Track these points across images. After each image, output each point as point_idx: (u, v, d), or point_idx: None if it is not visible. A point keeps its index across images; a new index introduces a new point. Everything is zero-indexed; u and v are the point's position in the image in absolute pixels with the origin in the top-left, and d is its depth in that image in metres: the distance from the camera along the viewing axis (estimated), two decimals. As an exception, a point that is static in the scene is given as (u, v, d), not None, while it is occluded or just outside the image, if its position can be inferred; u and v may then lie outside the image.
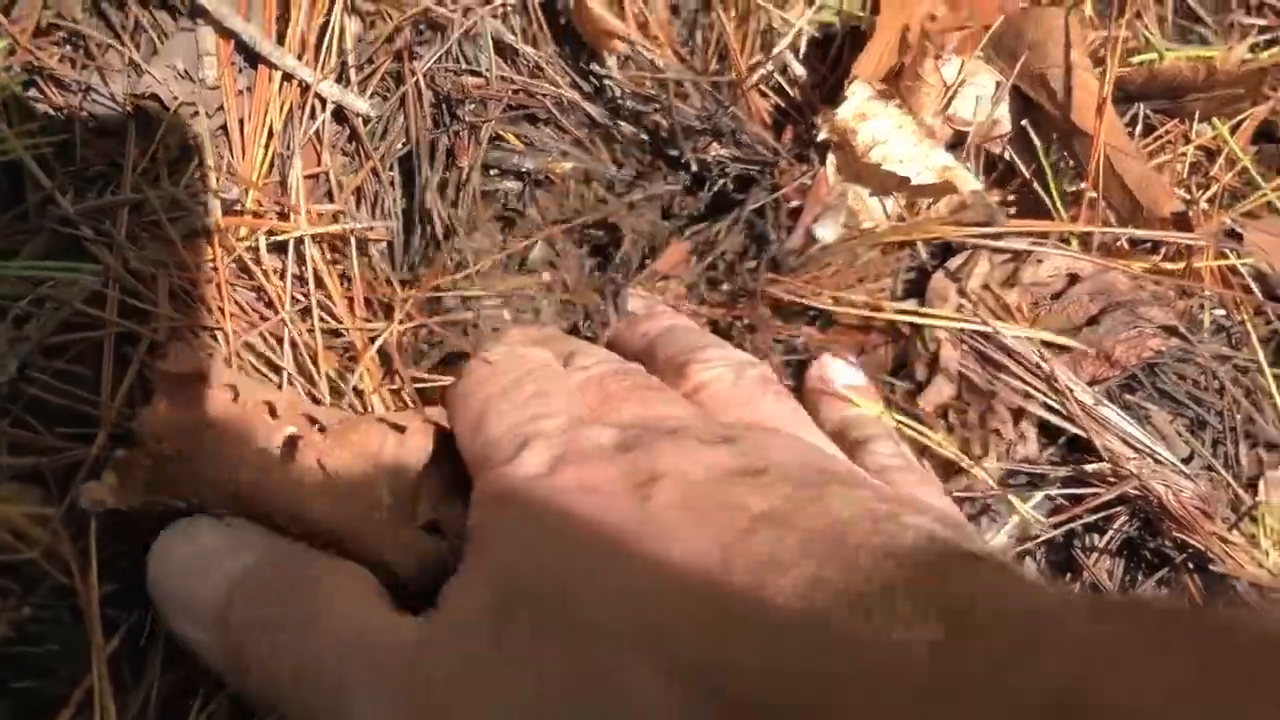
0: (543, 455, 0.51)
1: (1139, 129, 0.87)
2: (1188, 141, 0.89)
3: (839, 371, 0.69)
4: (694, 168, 0.71)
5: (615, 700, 0.41)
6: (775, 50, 0.81)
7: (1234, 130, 0.93)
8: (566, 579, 0.45)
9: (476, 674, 0.45)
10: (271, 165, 0.66)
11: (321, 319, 0.60)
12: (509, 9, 0.73)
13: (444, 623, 0.49)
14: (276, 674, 0.50)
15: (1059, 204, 0.77)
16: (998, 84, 0.79)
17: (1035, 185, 0.80)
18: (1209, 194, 0.88)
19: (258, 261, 0.62)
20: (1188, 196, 0.87)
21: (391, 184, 0.67)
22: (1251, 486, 0.78)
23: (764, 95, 0.81)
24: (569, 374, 0.60)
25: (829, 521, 0.43)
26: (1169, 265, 0.77)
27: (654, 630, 0.41)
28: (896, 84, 0.78)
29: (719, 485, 0.47)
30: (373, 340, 0.60)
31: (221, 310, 0.61)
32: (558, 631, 0.44)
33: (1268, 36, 0.95)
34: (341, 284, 0.62)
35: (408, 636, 0.49)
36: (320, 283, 0.61)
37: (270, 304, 0.64)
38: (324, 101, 0.67)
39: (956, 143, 0.82)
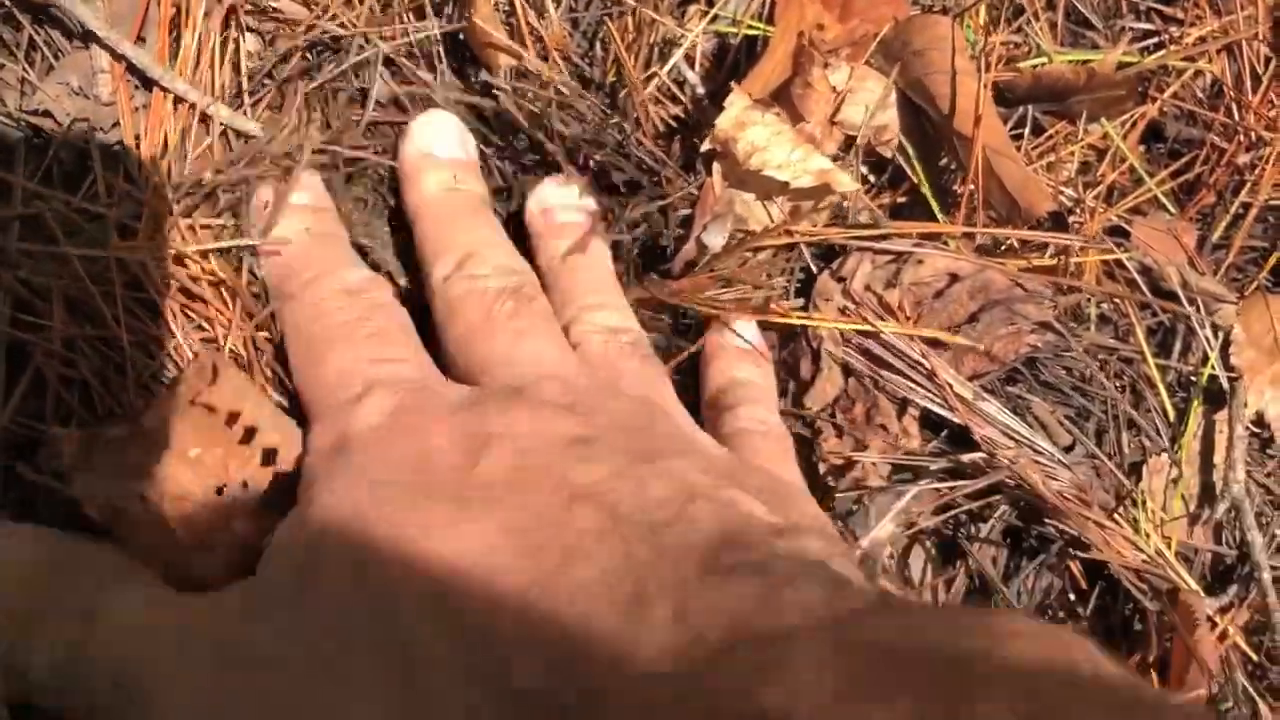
0: (383, 404, 0.51)
1: (1028, 130, 0.91)
2: (1076, 141, 0.92)
3: (740, 328, 0.71)
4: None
5: (408, 674, 0.41)
6: (670, 61, 0.83)
7: (1126, 130, 0.96)
8: (375, 543, 0.44)
9: (271, 636, 0.45)
10: (165, 181, 0.67)
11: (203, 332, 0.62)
12: (409, 34, 0.76)
13: (253, 581, 0.48)
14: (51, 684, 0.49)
15: (937, 207, 0.80)
16: (886, 89, 0.81)
17: (922, 188, 0.83)
18: (1096, 191, 0.91)
19: (148, 276, 0.64)
20: (1076, 195, 0.90)
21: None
22: (1134, 473, 0.81)
23: (660, 104, 0.84)
24: (457, 278, 0.61)
25: (642, 501, 0.44)
26: (1045, 263, 0.80)
27: (451, 613, 0.42)
28: (787, 93, 0.81)
29: (549, 454, 0.47)
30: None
31: (117, 321, 0.63)
32: (353, 598, 0.44)
33: (1155, 40, 0.98)
34: (226, 298, 0.64)
35: (201, 604, 0.49)
36: (198, 298, 0.63)
37: (167, 316, 0.65)
38: (215, 121, 0.68)
39: (848, 148, 0.85)
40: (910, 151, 0.82)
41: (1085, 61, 0.88)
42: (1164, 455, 0.81)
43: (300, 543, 0.48)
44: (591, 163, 0.74)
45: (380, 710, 0.41)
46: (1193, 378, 0.85)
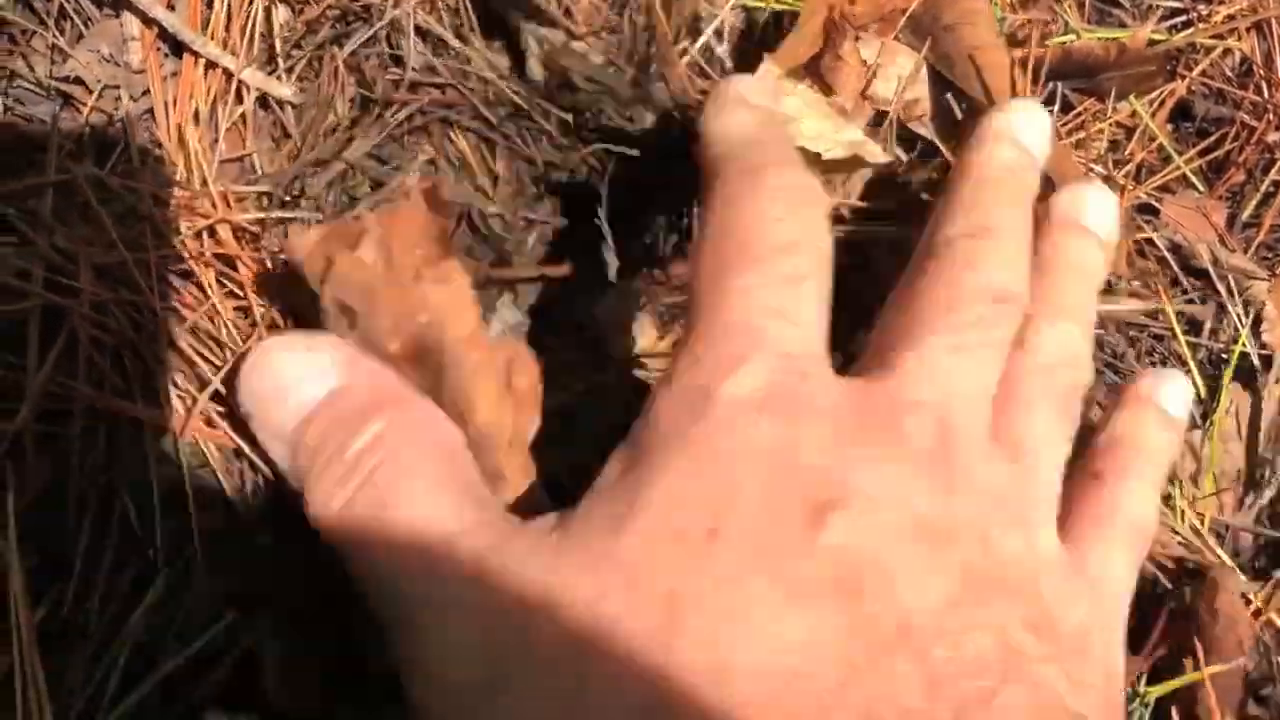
0: (758, 380, 0.45)
1: (1057, 107, 0.90)
2: (1105, 119, 0.92)
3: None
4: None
5: None
6: (701, 38, 0.83)
7: (1155, 109, 0.96)
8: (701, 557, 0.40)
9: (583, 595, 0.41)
10: (198, 149, 0.67)
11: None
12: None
13: (572, 526, 0.44)
14: (338, 518, 0.48)
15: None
16: (916, 64, 0.81)
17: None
18: (1126, 170, 0.91)
19: (183, 244, 0.63)
20: (1105, 172, 0.89)
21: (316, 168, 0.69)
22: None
23: (690, 81, 0.83)
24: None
25: (959, 664, 0.39)
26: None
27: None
28: (817, 66, 0.80)
29: (892, 542, 0.41)
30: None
31: (150, 290, 0.62)
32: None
33: (1183, 19, 0.98)
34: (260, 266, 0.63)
35: (504, 527, 0.46)
36: (234, 265, 0.62)
37: (201, 286, 0.65)
38: (248, 88, 0.68)
39: (879, 122, 0.84)
40: (951, 126, 0.81)
41: (1117, 38, 0.87)
42: (1196, 433, 0.80)
43: (629, 503, 0.43)
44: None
45: None
46: (1224, 355, 0.84)
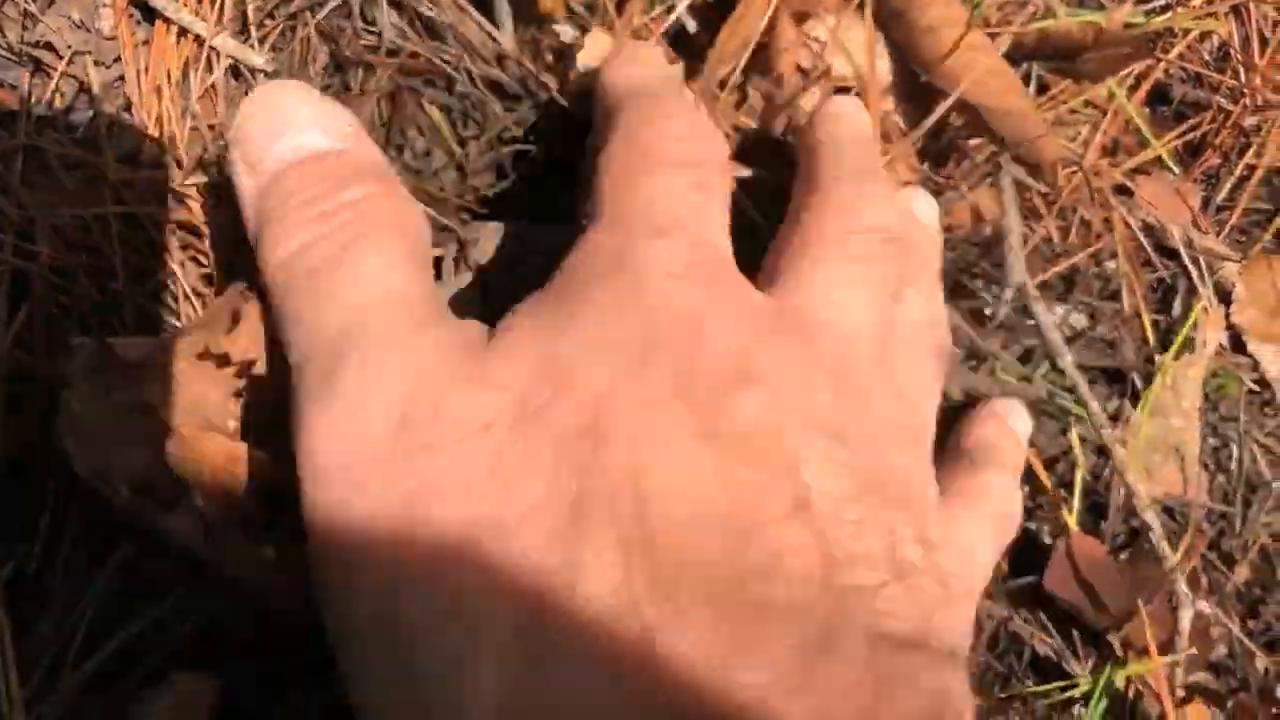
0: (677, 253, 0.46)
1: (1033, 88, 0.90)
2: (1081, 101, 0.92)
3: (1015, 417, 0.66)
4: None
5: None
6: (676, 11, 0.83)
7: (1130, 91, 0.96)
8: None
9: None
10: (168, 116, 0.67)
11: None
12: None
13: (507, 332, 0.46)
14: (284, 263, 0.48)
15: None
16: (869, 41, 0.81)
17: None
18: (1099, 151, 0.91)
19: (150, 211, 0.64)
20: (1080, 153, 0.90)
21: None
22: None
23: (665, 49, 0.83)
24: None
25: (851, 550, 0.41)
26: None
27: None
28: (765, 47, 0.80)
29: (792, 435, 0.43)
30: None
31: (115, 254, 0.63)
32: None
33: (1163, 2, 0.98)
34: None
35: (449, 316, 0.47)
36: (197, 234, 0.63)
37: (167, 249, 0.65)
38: (220, 55, 0.68)
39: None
40: (917, 103, 0.81)
41: (1094, 21, 0.87)
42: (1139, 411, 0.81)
43: (535, 343, 0.44)
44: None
45: None
46: (1192, 334, 0.84)
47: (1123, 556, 0.77)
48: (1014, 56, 0.89)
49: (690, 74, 0.80)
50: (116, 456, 0.52)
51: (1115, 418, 0.82)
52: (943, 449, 0.61)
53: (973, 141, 0.83)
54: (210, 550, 0.51)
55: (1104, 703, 0.64)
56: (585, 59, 0.69)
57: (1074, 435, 0.76)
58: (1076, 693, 0.65)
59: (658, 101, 0.54)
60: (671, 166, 0.49)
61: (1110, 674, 0.65)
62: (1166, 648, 0.67)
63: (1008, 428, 0.63)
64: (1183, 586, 0.64)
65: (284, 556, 0.50)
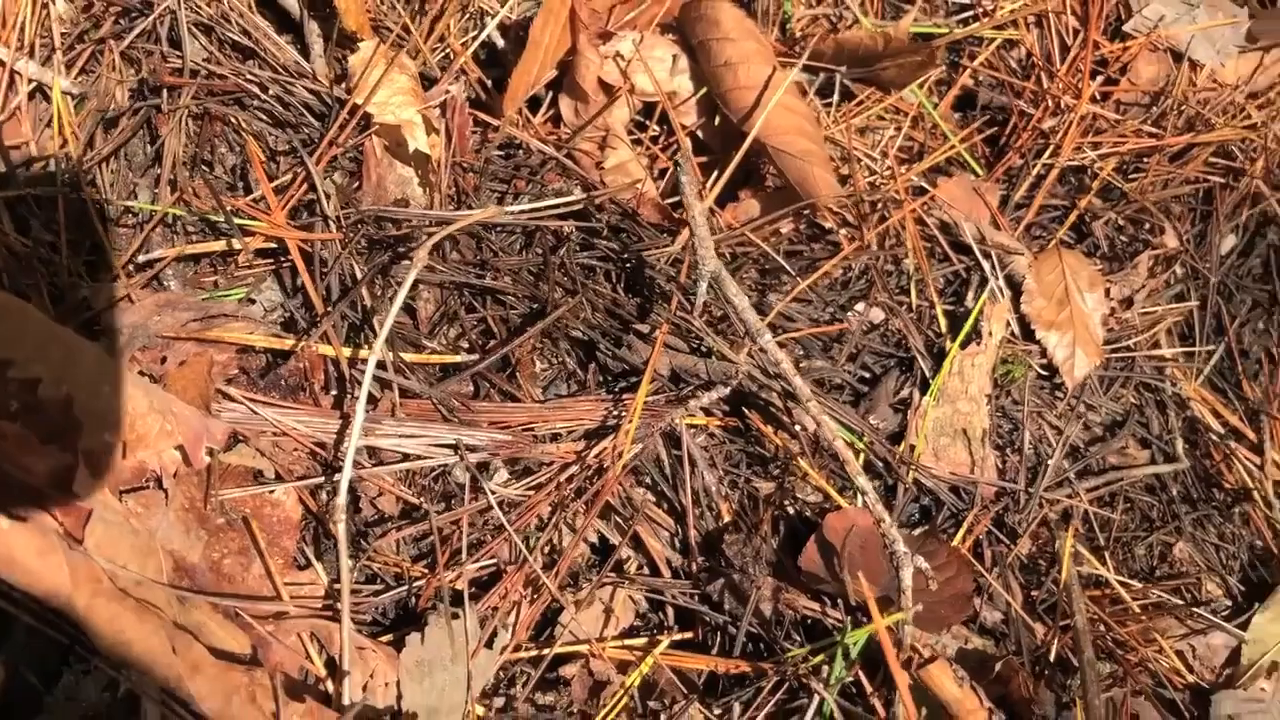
0: None
1: (837, 96, 0.96)
2: (887, 107, 0.98)
3: None
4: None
5: None
6: (487, 29, 0.88)
7: (934, 96, 1.02)
8: None
9: None
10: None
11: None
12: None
13: None
14: None
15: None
16: (674, 56, 0.87)
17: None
18: (899, 154, 0.97)
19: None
20: (882, 156, 0.96)
21: (90, 150, 0.73)
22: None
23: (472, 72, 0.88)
24: None
25: None
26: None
27: None
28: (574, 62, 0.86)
29: None
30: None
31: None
32: None
33: (971, 13, 1.04)
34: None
35: None
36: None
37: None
38: (23, 79, 0.72)
39: (648, 113, 0.90)
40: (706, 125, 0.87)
41: (883, 29, 0.93)
42: (926, 397, 0.86)
43: None
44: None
45: None
46: (981, 324, 0.90)
47: (916, 532, 0.82)
48: (813, 66, 0.95)
49: (499, 88, 0.86)
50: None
51: (905, 403, 0.87)
52: None
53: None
54: None
55: (847, 659, 0.69)
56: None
57: (826, 419, 0.81)
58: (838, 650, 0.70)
59: None
60: None
61: (849, 635, 0.69)
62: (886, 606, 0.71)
63: None
64: (900, 547, 0.69)
65: None
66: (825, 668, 0.70)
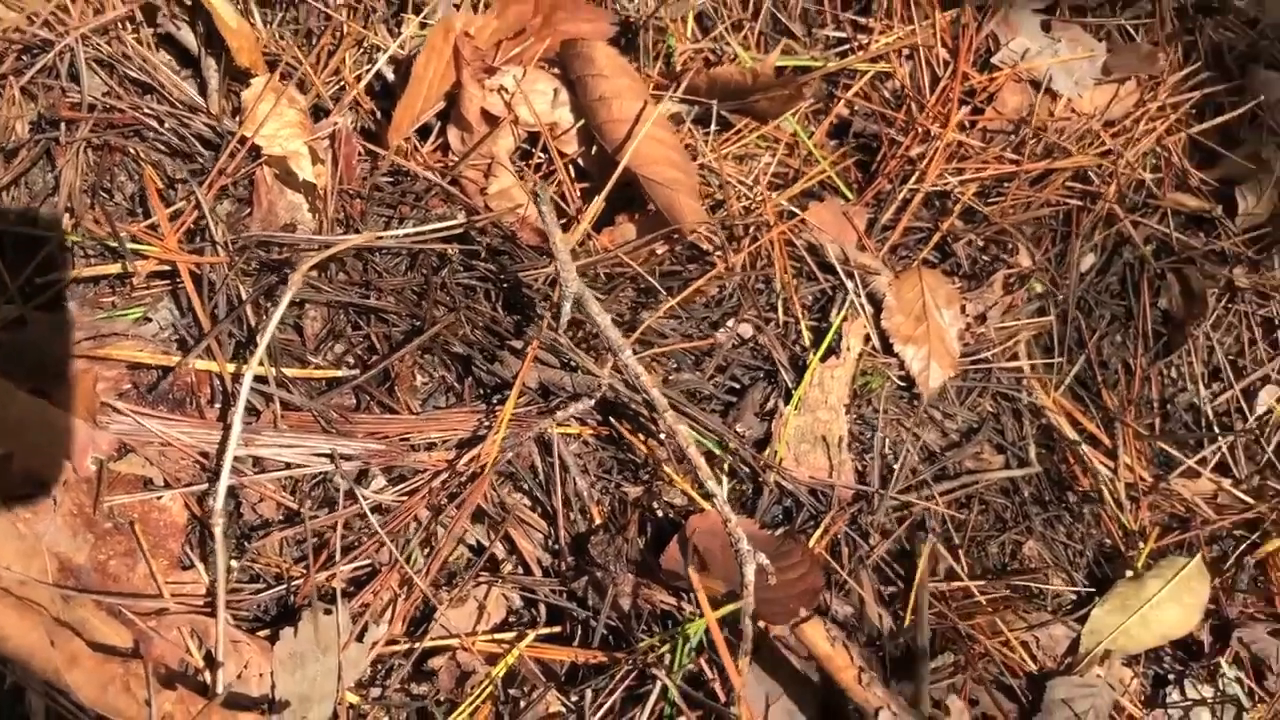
0: None
1: (714, 126, 1.03)
2: (762, 136, 1.05)
3: None
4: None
5: None
6: (377, 64, 0.94)
7: (815, 127, 1.09)
8: None
9: None
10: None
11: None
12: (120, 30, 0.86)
13: None
14: None
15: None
16: (555, 90, 0.93)
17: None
18: (772, 179, 1.04)
19: None
20: (753, 182, 1.02)
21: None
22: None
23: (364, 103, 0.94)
24: None
25: None
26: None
27: None
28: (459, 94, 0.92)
29: None
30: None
31: None
32: None
33: (847, 47, 1.11)
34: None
35: None
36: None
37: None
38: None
39: (533, 142, 0.96)
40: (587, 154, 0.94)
41: (751, 65, 0.99)
42: (788, 405, 0.92)
43: None
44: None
45: None
46: (840, 339, 0.96)
47: (777, 532, 0.89)
48: (691, 99, 1.01)
49: (389, 119, 0.92)
50: None
51: (771, 413, 0.94)
52: None
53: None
54: None
55: (692, 642, 0.76)
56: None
57: (681, 428, 0.87)
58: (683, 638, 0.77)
59: None
60: None
61: (689, 626, 0.76)
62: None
63: None
64: (745, 546, 0.76)
65: None
66: (669, 656, 0.76)
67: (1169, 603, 0.96)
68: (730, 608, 0.76)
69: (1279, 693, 0.93)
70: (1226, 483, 1.09)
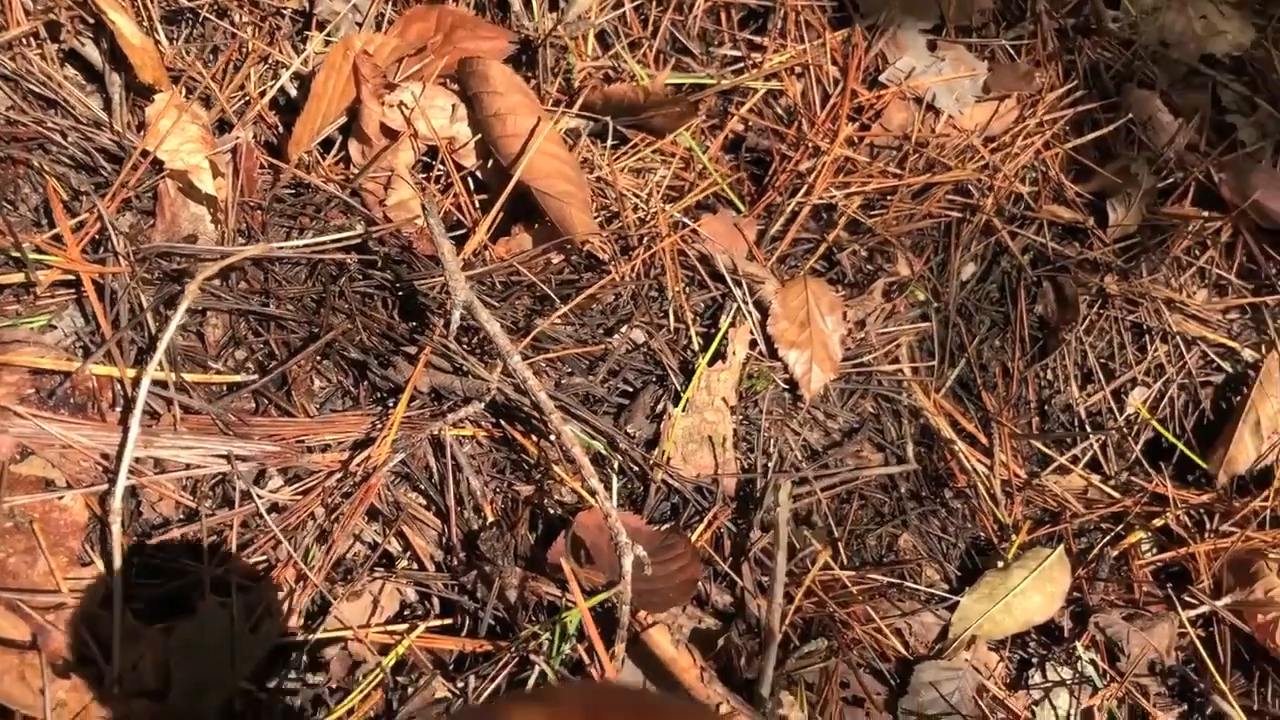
0: None
1: (610, 141, 1.08)
2: (657, 151, 1.10)
3: None
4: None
5: None
6: (280, 80, 0.98)
7: (710, 142, 1.14)
8: None
9: None
10: None
11: None
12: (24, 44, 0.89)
13: None
14: None
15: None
16: (454, 106, 0.97)
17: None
18: (664, 192, 1.09)
19: None
20: (648, 195, 1.08)
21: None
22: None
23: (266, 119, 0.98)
24: None
25: None
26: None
27: None
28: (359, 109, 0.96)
29: None
30: None
31: None
32: None
33: (741, 65, 1.16)
34: None
35: None
36: None
37: None
38: None
39: (434, 155, 1.01)
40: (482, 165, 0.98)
41: (643, 83, 1.04)
42: (676, 407, 0.98)
43: None
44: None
45: None
46: (726, 344, 1.02)
47: (663, 527, 0.94)
48: (587, 116, 1.06)
49: (290, 133, 0.95)
50: None
51: (661, 414, 0.99)
52: None
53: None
54: None
55: (567, 636, 0.81)
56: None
57: (565, 429, 0.92)
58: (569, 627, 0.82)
59: None
60: None
61: (566, 615, 0.81)
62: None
63: None
64: (623, 539, 0.81)
65: None
66: (548, 644, 0.81)
67: (1032, 591, 1.02)
68: (602, 596, 0.81)
69: (1129, 673, 1.00)
70: (1096, 479, 1.16)
